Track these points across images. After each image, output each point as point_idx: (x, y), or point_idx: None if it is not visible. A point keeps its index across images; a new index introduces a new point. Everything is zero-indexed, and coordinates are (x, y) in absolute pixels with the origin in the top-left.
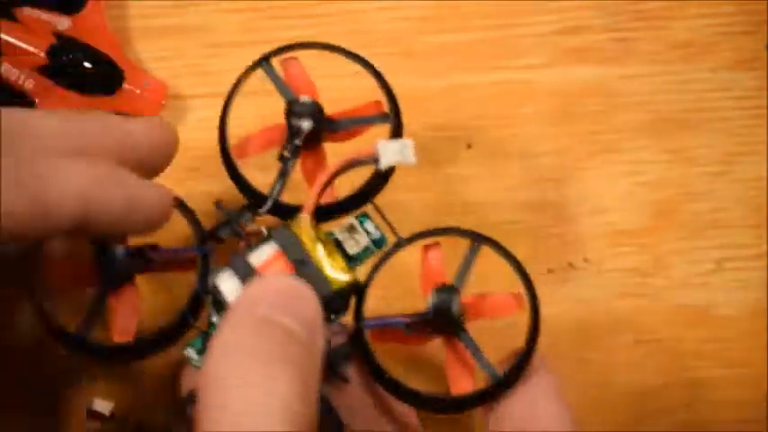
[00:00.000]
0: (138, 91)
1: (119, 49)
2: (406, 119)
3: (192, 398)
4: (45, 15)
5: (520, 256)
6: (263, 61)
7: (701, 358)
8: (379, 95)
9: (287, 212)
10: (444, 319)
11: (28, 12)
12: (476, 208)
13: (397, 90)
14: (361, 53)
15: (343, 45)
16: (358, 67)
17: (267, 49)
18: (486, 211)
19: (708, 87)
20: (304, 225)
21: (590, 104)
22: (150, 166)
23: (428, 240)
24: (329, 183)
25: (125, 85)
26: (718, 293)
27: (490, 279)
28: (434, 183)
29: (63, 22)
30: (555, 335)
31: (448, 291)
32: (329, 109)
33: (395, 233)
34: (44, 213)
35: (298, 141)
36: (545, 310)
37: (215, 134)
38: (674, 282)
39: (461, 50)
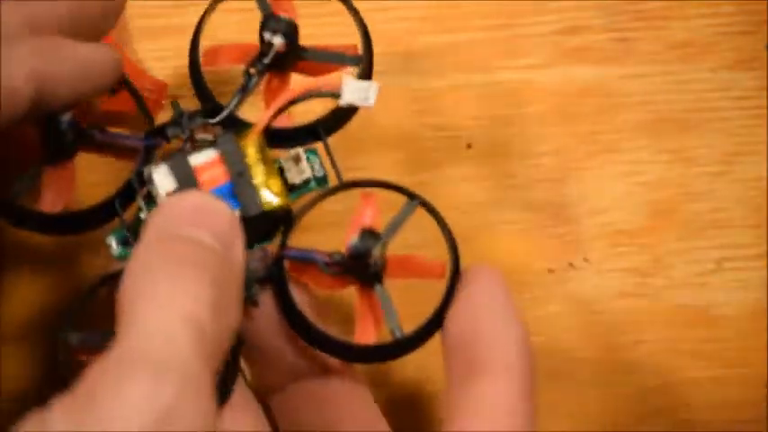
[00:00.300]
0: (138, 91)
1: (119, 49)
2: (406, 119)
3: (101, 281)
4: None
5: (520, 256)
6: None
7: (701, 358)
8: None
9: (240, 128)
10: (361, 266)
11: None
12: (476, 208)
13: (397, 90)
14: None
15: (343, 45)
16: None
17: None
18: (486, 210)
19: (707, 87)
20: (251, 139)
21: (590, 104)
22: (98, 31)
23: (369, 190)
24: (288, 105)
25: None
26: (718, 293)
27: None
28: (434, 182)
29: None
30: (555, 335)
31: (371, 237)
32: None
33: (339, 177)
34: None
35: (266, 59)
36: (545, 310)
37: None
38: (674, 282)
39: (461, 50)
